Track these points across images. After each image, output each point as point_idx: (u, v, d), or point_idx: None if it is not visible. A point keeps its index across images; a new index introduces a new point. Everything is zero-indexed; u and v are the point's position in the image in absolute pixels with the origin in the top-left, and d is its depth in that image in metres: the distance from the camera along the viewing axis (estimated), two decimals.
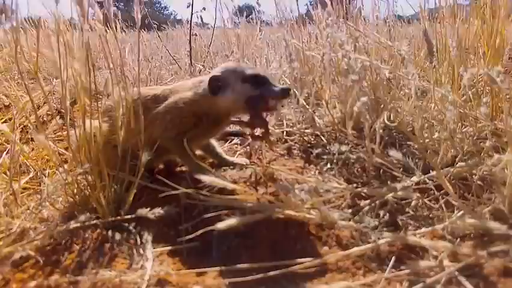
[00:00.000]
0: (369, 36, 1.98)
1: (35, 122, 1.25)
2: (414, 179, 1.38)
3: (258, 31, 2.46)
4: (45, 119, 2.27)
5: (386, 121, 1.67)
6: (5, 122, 2.32)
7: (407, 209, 1.30)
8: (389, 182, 1.42)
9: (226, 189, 1.11)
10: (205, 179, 1.04)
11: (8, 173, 1.37)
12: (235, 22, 4.56)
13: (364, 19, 2.60)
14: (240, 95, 1.35)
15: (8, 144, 1.90)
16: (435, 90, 1.55)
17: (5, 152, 1.82)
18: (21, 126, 2.00)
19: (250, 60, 2.80)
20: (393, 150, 1.55)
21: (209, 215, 1.09)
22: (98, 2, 1.24)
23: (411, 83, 1.45)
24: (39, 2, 1.25)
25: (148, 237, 1.14)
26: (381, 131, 1.46)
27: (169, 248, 1.12)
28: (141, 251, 1.09)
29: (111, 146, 1.31)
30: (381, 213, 1.24)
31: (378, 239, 1.10)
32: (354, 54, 1.55)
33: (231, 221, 1.02)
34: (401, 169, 1.48)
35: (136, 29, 1.34)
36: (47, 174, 1.55)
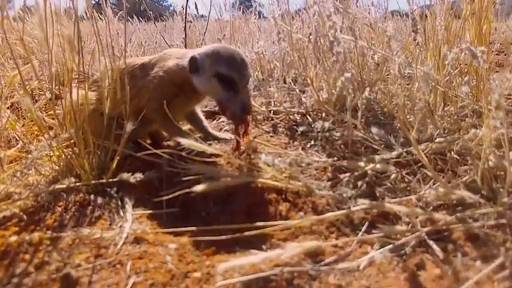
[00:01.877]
0: (358, 17, 2.00)
1: (23, 93, 1.27)
2: (394, 153, 1.41)
3: (253, 15, 2.48)
4: (36, 98, 2.29)
5: (367, 93, 1.69)
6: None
7: (385, 182, 1.33)
8: (369, 156, 1.44)
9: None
10: (184, 141, 1.06)
11: None
12: (232, 15, 4.58)
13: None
14: (208, 88, 1.36)
15: None
16: (418, 69, 1.57)
17: None
18: (12, 103, 2.02)
19: (243, 45, 2.82)
20: (376, 128, 1.58)
21: (188, 178, 1.11)
22: None
23: (395, 60, 1.48)
24: None
25: (129, 201, 1.17)
26: (363, 107, 1.49)
27: (149, 211, 1.15)
28: (121, 214, 1.12)
29: (98, 114, 1.34)
30: (359, 184, 1.26)
31: (353, 206, 1.13)
32: (342, 33, 1.59)
33: (209, 185, 1.05)
34: (382, 146, 1.51)
35: (129, 17, 1.35)
36: (35, 146, 1.57)
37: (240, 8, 4.12)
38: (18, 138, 1.69)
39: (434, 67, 1.80)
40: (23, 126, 1.93)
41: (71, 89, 1.23)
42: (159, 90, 1.40)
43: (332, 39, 1.27)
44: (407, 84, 1.76)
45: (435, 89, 1.60)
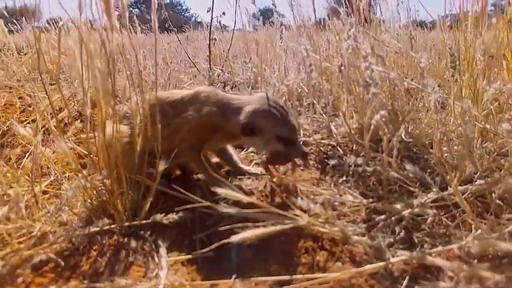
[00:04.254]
0: (390, 45, 1.96)
1: (55, 126, 1.27)
2: (431, 195, 1.37)
3: (279, 38, 2.46)
4: (66, 121, 2.32)
5: (404, 135, 1.65)
6: (28, 123, 2.38)
7: (423, 226, 1.28)
8: (405, 197, 1.40)
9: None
10: (220, 191, 1.05)
11: (30, 175, 1.41)
12: (254, 25, 4.59)
13: (382, 25, 2.57)
14: (268, 148, 1.45)
15: (31, 145, 1.95)
16: (455, 104, 1.53)
17: (27, 154, 1.88)
18: (44, 128, 2.04)
19: (269, 67, 2.80)
20: (410, 164, 1.54)
21: (224, 228, 1.10)
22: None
23: (432, 96, 1.44)
24: (63, 5, 1.27)
25: (163, 245, 1.16)
26: (398, 145, 1.45)
27: (184, 257, 1.13)
28: (156, 260, 1.11)
29: (130, 149, 1.33)
30: (397, 229, 1.22)
31: (393, 256, 1.09)
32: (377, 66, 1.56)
33: (245, 234, 1.03)
34: (418, 183, 1.47)
35: (159, 32, 1.35)
36: (67, 178, 1.58)
37: (264, 21, 4.12)
38: (49, 167, 1.71)
39: (471, 99, 1.75)
40: (53, 153, 1.95)
41: (105, 129, 1.23)
42: (194, 133, 1.40)
43: (368, 80, 1.23)
44: (440, 116, 1.71)
45: (473, 125, 1.54)
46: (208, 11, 3.71)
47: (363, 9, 2.33)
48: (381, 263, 1.07)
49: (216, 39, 3.98)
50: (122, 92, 1.25)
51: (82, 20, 1.12)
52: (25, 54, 5.39)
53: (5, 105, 2.92)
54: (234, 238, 1.02)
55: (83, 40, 1.13)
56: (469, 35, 1.81)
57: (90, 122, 1.21)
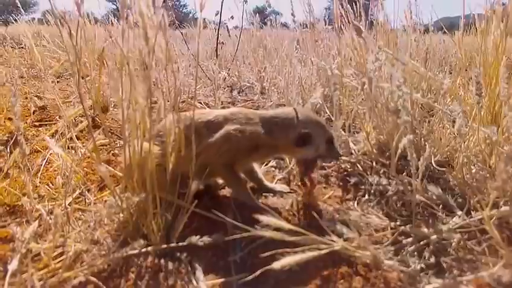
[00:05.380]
0: (407, 64, 1.99)
1: (93, 149, 1.26)
2: (456, 219, 1.40)
3: (294, 49, 2.48)
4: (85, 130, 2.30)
5: (433, 162, 1.68)
6: (41, 126, 2.36)
7: (448, 249, 1.31)
8: (430, 221, 1.43)
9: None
10: (263, 219, 1.06)
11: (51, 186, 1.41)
12: (252, 23, 4.59)
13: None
14: (316, 153, 1.51)
15: (46, 151, 1.93)
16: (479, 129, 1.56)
17: (43, 161, 1.86)
18: (61, 134, 2.03)
19: (280, 74, 2.81)
20: (432, 185, 1.57)
21: (266, 254, 1.11)
22: None
23: (457, 121, 1.46)
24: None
25: (199, 267, 1.17)
26: (423, 167, 1.48)
27: (221, 280, 1.15)
28: (194, 283, 1.12)
29: (161, 170, 1.34)
30: (426, 254, 1.25)
31: (426, 284, 1.12)
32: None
33: (286, 260, 1.05)
34: (440, 206, 1.50)
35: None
36: (88, 191, 1.58)
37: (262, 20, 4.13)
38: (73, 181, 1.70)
39: (488, 122, 1.78)
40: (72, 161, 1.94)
41: (142, 149, 1.23)
42: (234, 152, 1.44)
43: (400, 108, 1.26)
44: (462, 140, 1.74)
45: (496, 149, 1.58)
46: (216, 15, 3.70)
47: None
48: None
49: (223, 43, 3.97)
50: (158, 110, 1.25)
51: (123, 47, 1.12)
52: (20, 47, 5.29)
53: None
54: (276, 265, 1.04)
55: (123, 62, 1.13)
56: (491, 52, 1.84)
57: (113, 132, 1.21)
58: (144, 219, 1.23)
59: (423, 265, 1.21)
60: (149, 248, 1.19)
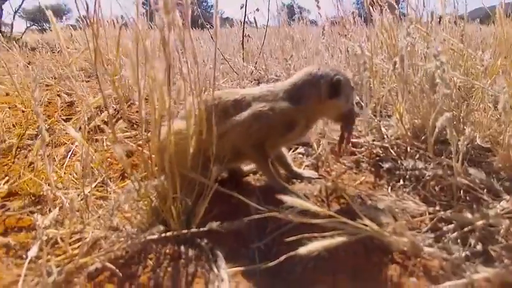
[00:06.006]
0: (445, 42, 1.85)
1: (111, 132, 1.22)
2: (504, 204, 1.26)
3: (321, 34, 2.38)
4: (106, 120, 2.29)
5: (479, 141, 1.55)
6: (69, 120, 2.37)
7: (496, 237, 1.18)
8: (473, 206, 1.30)
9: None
10: (287, 199, 0.97)
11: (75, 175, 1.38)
12: (281, 21, 4.50)
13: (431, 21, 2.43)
14: (348, 105, 1.42)
15: (73, 144, 1.93)
16: None
17: (69, 153, 1.85)
18: (85, 125, 2.02)
19: (308, 63, 2.71)
20: (474, 169, 1.43)
21: (291, 238, 1.03)
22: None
23: (501, 96, 1.33)
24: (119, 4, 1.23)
25: (220, 254, 1.10)
26: (464, 148, 1.35)
27: (243, 268, 1.07)
28: (215, 270, 1.05)
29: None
30: (471, 241, 1.13)
31: (473, 273, 1.00)
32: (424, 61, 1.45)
33: (313, 246, 0.96)
34: (485, 190, 1.37)
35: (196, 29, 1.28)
36: (111, 179, 1.55)
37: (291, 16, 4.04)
38: (93, 168, 1.68)
39: None
40: (95, 152, 1.92)
41: (160, 132, 1.17)
42: (265, 130, 1.35)
43: (438, 80, 1.14)
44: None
45: None
46: (241, 8, 3.64)
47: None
48: (463, 280, 0.97)
49: (249, 36, 3.90)
50: (177, 92, 1.18)
51: (139, 16, 1.07)
52: (58, 51, 5.46)
53: (45, 102, 2.93)
54: (302, 250, 0.95)
55: (140, 38, 1.07)
56: None
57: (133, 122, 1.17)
58: (163, 204, 1.17)
59: (468, 253, 1.09)
60: (168, 234, 1.13)
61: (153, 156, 1.22)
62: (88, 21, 1.25)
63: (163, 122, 1.19)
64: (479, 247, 1.11)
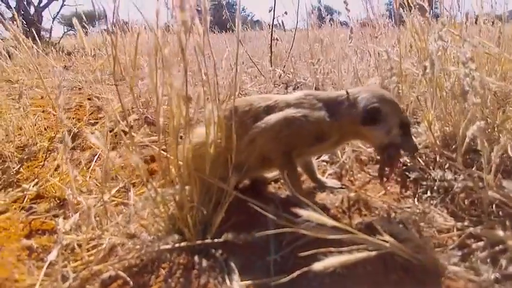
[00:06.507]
0: (479, 46, 1.75)
1: (128, 138, 1.22)
2: None
3: (348, 38, 2.32)
4: (133, 124, 2.32)
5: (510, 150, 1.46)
6: (96, 123, 2.43)
7: None
8: (506, 223, 1.22)
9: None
10: (304, 213, 0.94)
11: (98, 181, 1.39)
12: (316, 24, 4.44)
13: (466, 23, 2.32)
14: (390, 137, 1.28)
15: (98, 148, 1.96)
16: None
17: (95, 157, 1.89)
18: (112, 131, 2.05)
19: (336, 69, 2.66)
20: (509, 181, 1.35)
21: (306, 253, 0.99)
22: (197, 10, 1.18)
23: None
24: (139, 12, 1.24)
25: (234, 267, 1.07)
26: (498, 160, 1.27)
27: (256, 281, 1.04)
28: (228, 283, 1.03)
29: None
30: (503, 262, 1.05)
31: None
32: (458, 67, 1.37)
33: (328, 261, 0.91)
34: None
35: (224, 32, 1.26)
36: (133, 185, 1.56)
37: (323, 19, 3.97)
38: (116, 174, 1.70)
39: None
40: (119, 157, 1.95)
41: (177, 143, 1.17)
42: (296, 138, 1.30)
43: (467, 88, 1.07)
44: None
45: None
46: (270, 11, 3.62)
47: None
48: None
49: (277, 39, 3.87)
50: (197, 98, 1.17)
51: (158, 23, 1.06)
52: (93, 55, 5.64)
53: (75, 106, 3.02)
54: (316, 266, 0.91)
55: (159, 44, 1.07)
56: None
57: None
58: (180, 213, 1.16)
59: (497, 275, 1.01)
60: (183, 244, 1.12)
61: (171, 163, 1.22)
62: (109, 29, 1.26)
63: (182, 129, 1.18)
64: (510, 269, 1.03)
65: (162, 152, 1.17)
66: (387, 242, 1.00)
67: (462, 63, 1.07)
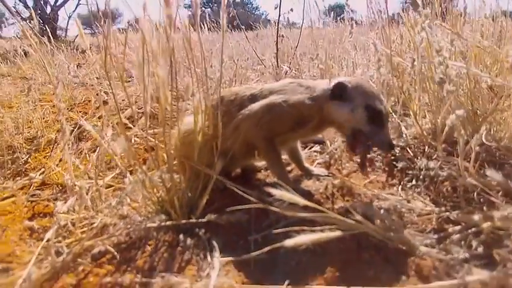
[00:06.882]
0: (468, 38, 1.78)
1: (118, 123, 1.30)
2: None
3: (348, 33, 2.36)
4: (135, 117, 2.40)
5: (485, 138, 1.48)
6: (100, 117, 2.51)
7: (505, 241, 1.13)
8: (484, 208, 1.25)
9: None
10: (276, 192, 0.99)
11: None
12: (324, 22, 4.47)
13: (464, 18, 2.33)
14: (351, 117, 1.31)
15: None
16: None
17: (98, 148, 1.97)
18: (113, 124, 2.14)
19: (337, 63, 2.70)
20: (492, 170, 1.37)
21: (279, 230, 1.05)
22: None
23: None
24: (130, 8, 1.31)
25: (216, 245, 1.14)
26: (477, 147, 1.30)
27: (236, 258, 1.10)
28: (209, 259, 1.09)
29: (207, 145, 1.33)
30: (474, 244, 1.09)
31: (467, 274, 0.97)
32: (451, 60, 1.41)
33: (300, 239, 0.97)
34: (500, 193, 1.31)
35: (230, 30, 1.33)
36: (131, 172, 1.63)
37: (335, 18, 4.01)
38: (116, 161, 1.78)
39: None
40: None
41: (164, 129, 1.23)
42: (277, 122, 1.35)
43: (442, 76, 1.11)
44: None
45: None
46: (275, 8, 3.67)
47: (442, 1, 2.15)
48: (454, 281, 0.95)
49: (283, 36, 3.92)
50: (186, 88, 1.24)
51: (145, 18, 1.13)
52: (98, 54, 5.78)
53: (83, 101, 3.12)
54: (288, 242, 0.96)
55: (145, 38, 1.14)
56: None
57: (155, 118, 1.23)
58: (167, 195, 1.23)
59: (467, 255, 1.05)
60: (169, 223, 1.19)
61: (160, 149, 1.29)
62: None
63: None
64: (480, 250, 1.07)
65: (151, 138, 1.24)
66: (359, 222, 1.05)
67: (436, 52, 1.11)
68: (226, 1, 1.26)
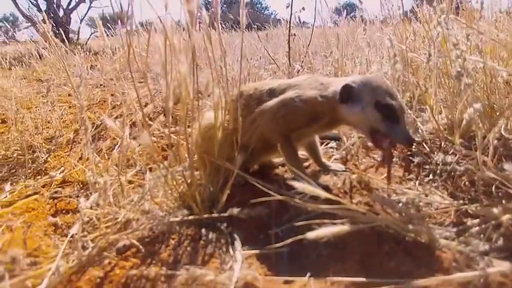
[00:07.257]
0: (485, 33, 1.77)
1: (141, 120, 1.34)
2: None
3: (363, 30, 2.37)
4: (152, 115, 2.44)
5: (503, 131, 1.48)
6: (116, 118, 2.56)
7: None
8: (503, 201, 1.25)
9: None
10: (298, 185, 1.01)
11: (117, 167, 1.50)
12: (335, 21, 4.47)
13: (480, 12, 2.32)
14: (364, 117, 1.28)
15: (120, 138, 2.08)
16: None
17: (116, 146, 2.01)
18: (131, 122, 2.17)
19: (350, 61, 2.70)
20: (510, 164, 1.37)
21: (300, 223, 1.06)
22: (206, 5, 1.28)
23: None
24: (151, 7, 1.34)
25: (238, 238, 1.16)
26: (495, 141, 1.30)
27: (258, 251, 1.12)
28: (231, 252, 1.11)
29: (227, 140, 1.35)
30: (494, 236, 1.09)
31: (488, 266, 0.98)
32: (467, 54, 1.41)
33: (321, 231, 0.99)
34: None
35: (240, 31, 1.35)
36: (150, 169, 1.67)
37: (346, 16, 4.00)
38: (135, 159, 1.82)
39: None
40: (139, 145, 2.06)
41: (186, 125, 1.26)
42: (291, 117, 1.36)
43: (459, 70, 1.11)
44: None
45: None
46: (287, 7, 3.68)
47: None
48: (475, 273, 0.96)
49: (295, 35, 3.93)
50: (205, 86, 1.27)
51: (167, 18, 1.16)
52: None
53: (99, 101, 3.18)
54: (310, 235, 0.98)
55: (167, 36, 1.17)
56: None
57: (172, 116, 1.26)
58: (189, 190, 1.26)
59: (487, 247, 1.06)
60: (191, 217, 1.21)
61: (182, 144, 1.32)
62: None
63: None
64: (500, 242, 1.07)
65: (172, 136, 1.27)
66: (379, 215, 1.07)
67: (453, 45, 1.12)
68: (244, 0, 1.29)
